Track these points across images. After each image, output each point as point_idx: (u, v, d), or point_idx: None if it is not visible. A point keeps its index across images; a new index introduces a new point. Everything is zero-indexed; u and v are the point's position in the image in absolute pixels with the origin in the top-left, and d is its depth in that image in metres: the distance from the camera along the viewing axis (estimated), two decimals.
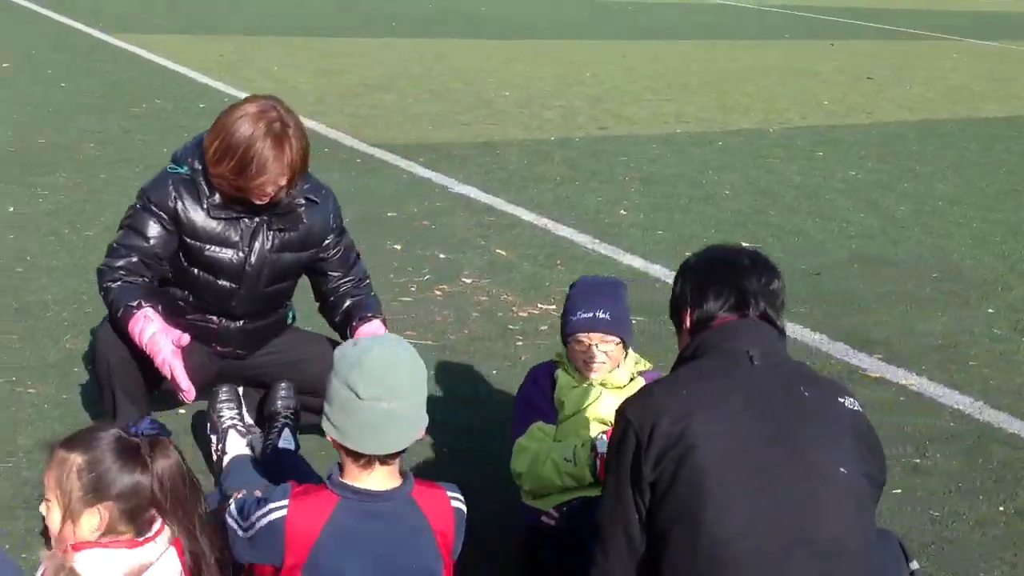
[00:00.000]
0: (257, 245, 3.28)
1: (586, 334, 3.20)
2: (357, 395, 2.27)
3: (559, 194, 7.26)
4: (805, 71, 14.71)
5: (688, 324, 2.36)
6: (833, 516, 2.08)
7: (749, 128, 10.36)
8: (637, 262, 5.98)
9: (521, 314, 5.09)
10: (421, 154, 8.02)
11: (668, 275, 5.73)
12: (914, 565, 2.46)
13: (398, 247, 5.87)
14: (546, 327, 4.93)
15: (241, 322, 3.40)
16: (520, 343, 4.75)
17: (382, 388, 2.27)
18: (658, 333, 4.88)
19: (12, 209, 5.98)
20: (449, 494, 2.46)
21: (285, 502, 2.32)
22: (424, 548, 2.36)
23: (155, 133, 8.00)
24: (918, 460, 4.03)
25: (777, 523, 2.05)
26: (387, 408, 2.27)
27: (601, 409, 3.19)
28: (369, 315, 3.43)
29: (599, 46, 15.91)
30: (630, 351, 3.37)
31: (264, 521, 2.32)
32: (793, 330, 5.13)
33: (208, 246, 3.25)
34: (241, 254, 3.27)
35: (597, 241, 6.29)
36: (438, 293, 5.25)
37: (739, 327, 2.28)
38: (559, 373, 3.29)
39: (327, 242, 3.44)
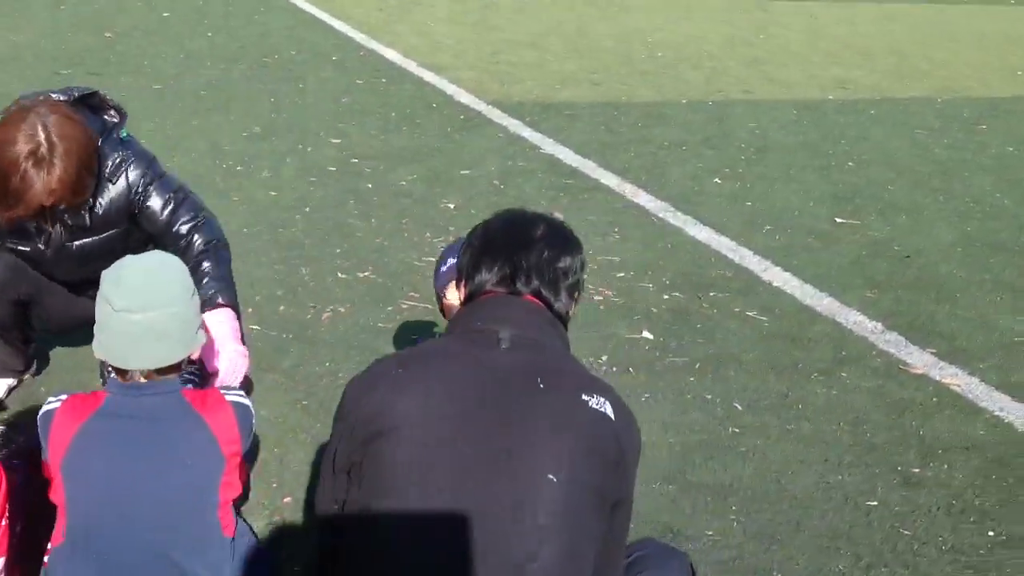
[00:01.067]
0: (53, 238, 3.13)
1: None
2: (112, 307, 2.25)
3: (656, 159, 6.90)
4: (1018, 38, 13.56)
5: (462, 296, 2.11)
6: (521, 530, 1.79)
7: (915, 97, 9.62)
8: (704, 234, 5.60)
9: None
10: (531, 113, 7.80)
11: (734, 249, 5.37)
12: None
13: (452, 206, 5.70)
14: None
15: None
16: None
17: (134, 299, 2.25)
18: (687, 310, 4.54)
19: None
20: (223, 392, 2.36)
21: (63, 397, 2.30)
22: (195, 443, 2.26)
23: (269, 83, 8.08)
24: (916, 470, 3.57)
25: (453, 532, 1.78)
26: (139, 319, 2.24)
27: None
28: (219, 302, 3.11)
29: (790, 7, 15.15)
30: None
31: (39, 415, 2.30)
32: (848, 315, 4.68)
33: (11, 238, 3.14)
34: (40, 247, 3.15)
35: (672, 210, 5.94)
36: None
37: (497, 304, 2.02)
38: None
39: (139, 213, 3.19)
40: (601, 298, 4.69)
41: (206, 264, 3.11)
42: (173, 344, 2.30)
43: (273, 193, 5.65)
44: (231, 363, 2.97)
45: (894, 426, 3.84)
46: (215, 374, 2.95)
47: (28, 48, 8.51)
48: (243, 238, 4.90)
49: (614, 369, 4.07)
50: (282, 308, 4.31)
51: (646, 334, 4.38)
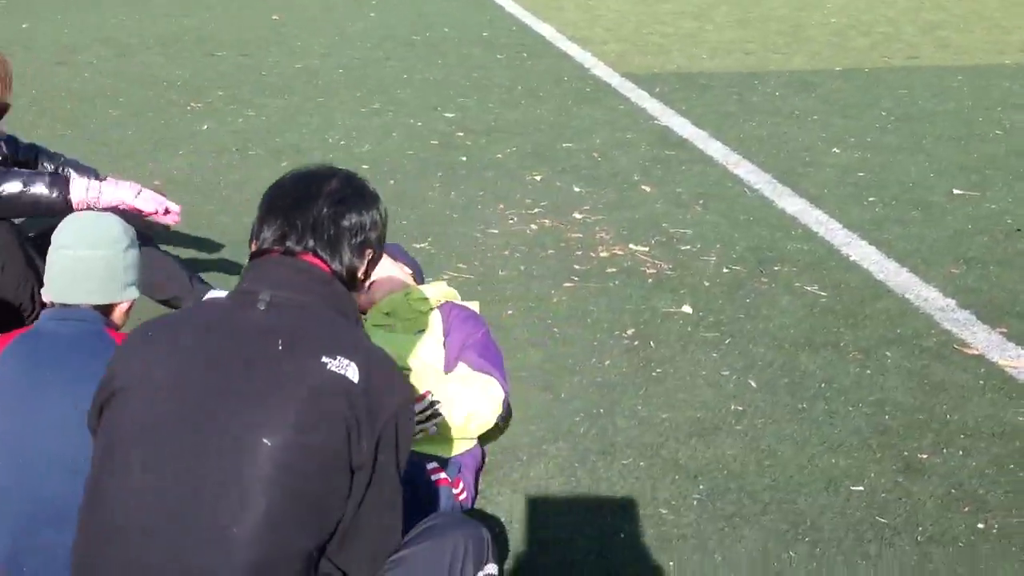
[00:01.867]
0: None
1: None
2: (56, 245, 2.52)
3: (778, 130, 6.67)
4: None
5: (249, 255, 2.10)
6: (227, 494, 1.78)
7: None
8: (796, 206, 5.39)
9: (595, 254, 4.78)
10: (664, 84, 7.69)
11: (822, 223, 5.16)
12: (489, 569, 2.06)
13: (538, 178, 5.71)
14: (614, 269, 4.61)
15: None
16: (565, 283, 4.48)
17: (72, 237, 2.52)
18: (742, 284, 4.42)
19: (205, 127, 6.49)
20: None
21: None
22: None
23: (409, 61, 8.27)
24: (924, 456, 3.36)
25: (159, 495, 1.79)
26: (73, 255, 2.49)
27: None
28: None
29: None
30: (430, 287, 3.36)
31: None
32: (922, 291, 4.43)
33: None
34: None
35: (772, 183, 5.74)
36: (534, 227, 5.06)
37: (267, 265, 2.01)
38: None
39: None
40: (654, 271, 4.61)
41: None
42: (106, 284, 2.51)
43: (365, 166, 5.80)
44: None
45: (920, 409, 3.60)
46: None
47: (193, 31, 9.02)
48: None
49: (636, 343, 3.99)
50: None
51: (685, 308, 4.27)
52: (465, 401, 2.93)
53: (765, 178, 5.79)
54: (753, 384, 3.74)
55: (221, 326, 1.93)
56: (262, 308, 1.93)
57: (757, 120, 6.85)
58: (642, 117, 6.86)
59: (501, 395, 3.04)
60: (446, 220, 5.09)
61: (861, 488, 3.19)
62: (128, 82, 7.39)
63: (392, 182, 5.58)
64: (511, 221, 5.12)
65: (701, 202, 5.42)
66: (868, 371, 3.84)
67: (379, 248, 2.16)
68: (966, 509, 3.10)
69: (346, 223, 2.05)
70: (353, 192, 2.11)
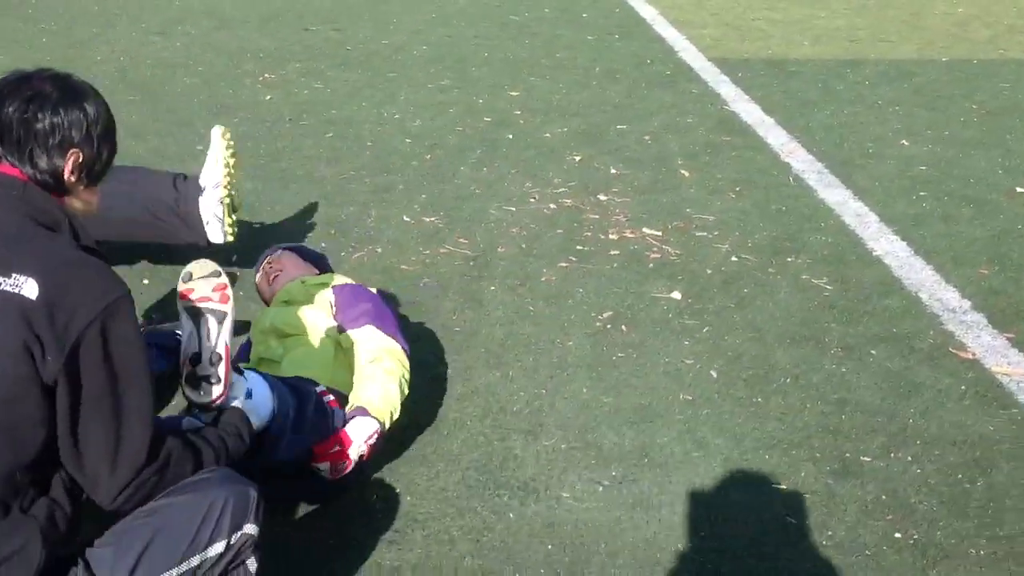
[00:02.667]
0: None
1: (260, 266, 3.59)
2: None
3: (851, 120, 6.42)
4: None
5: None
6: None
7: None
8: (836, 197, 5.19)
9: (604, 236, 4.71)
10: (748, 69, 7.49)
11: (859, 215, 4.98)
12: (248, 529, 2.04)
13: (577, 159, 5.65)
14: (617, 252, 4.53)
15: None
16: (560, 263, 4.43)
17: None
18: (746, 275, 4.30)
19: (269, 97, 6.64)
20: None
21: None
22: None
23: (497, 40, 8.27)
24: (867, 459, 3.21)
25: None
26: None
27: (277, 319, 3.14)
28: None
29: None
30: (339, 276, 3.46)
31: None
32: (938, 291, 4.23)
33: None
34: None
35: (821, 172, 5.54)
36: (552, 206, 5.02)
37: None
38: None
39: None
40: (658, 256, 4.51)
41: None
42: None
43: (408, 140, 5.85)
44: None
45: (882, 411, 3.44)
46: None
47: (296, 6, 9.23)
48: (340, 178, 5.17)
49: (608, 326, 3.93)
50: (324, 244, 4.49)
51: (675, 295, 4.17)
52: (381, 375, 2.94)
53: (816, 167, 5.59)
54: (713, 375, 3.63)
55: None
56: None
57: (832, 109, 6.60)
58: (711, 102, 6.69)
59: (402, 353, 3.04)
60: (467, 195, 5.09)
61: (783, 487, 3.07)
62: (214, 52, 7.62)
63: (428, 156, 5.61)
64: (532, 199, 5.08)
65: (737, 189, 5.26)
66: (843, 369, 3.67)
67: (89, 147, 2.08)
68: (889, 517, 2.94)
69: (40, 125, 2.00)
70: (55, 91, 2.04)
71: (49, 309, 1.83)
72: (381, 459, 3.08)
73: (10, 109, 2.00)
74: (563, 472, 3.10)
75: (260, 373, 2.57)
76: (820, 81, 7.27)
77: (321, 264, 3.61)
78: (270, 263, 3.49)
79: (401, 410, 2.95)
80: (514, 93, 6.83)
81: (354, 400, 2.88)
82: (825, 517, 2.95)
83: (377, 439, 2.78)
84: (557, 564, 2.76)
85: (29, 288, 1.83)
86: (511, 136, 5.98)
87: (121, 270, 4.10)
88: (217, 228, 3.80)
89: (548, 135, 6.02)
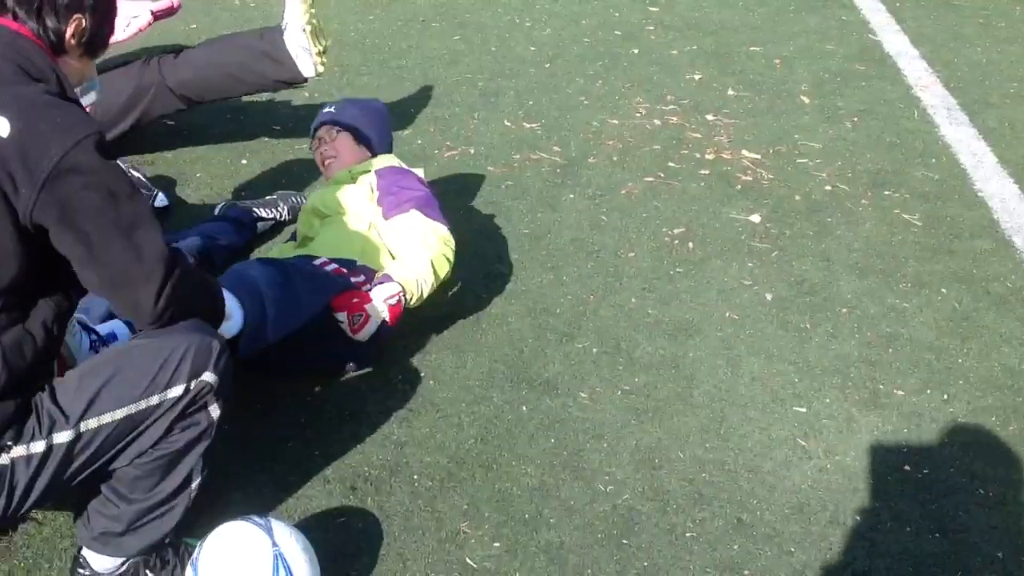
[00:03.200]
0: None
1: (316, 132, 3.56)
2: None
3: (996, 58, 6.10)
4: None
5: None
6: None
7: None
8: (958, 135, 5.02)
9: (700, 155, 4.69)
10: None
11: (977, 155, 4.83)
12: (206, 377, 2.17)
13: (697, 77, 5.60)
14: (707, 171, 4.52)
15: None
16: (646, 178, 4.44)
17: None
18: (833, 204, 4.24)
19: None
20: None
21: None
22: None
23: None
24: (900, 392, 3.16)
25: None
26: None
27: (317, 200, 3.30)
28: None
29: None
30: (382, 157, 3.51)
31: None
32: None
33: None
34: None
35: (955, 108, 5.36)
36: (656, 122, 5.01)
37: None
38: None
39: None
40: (749, 179, 4.48)
41: None
42: None
43: (532, 48, 5.90)
44: None
45: (931, 348, 3.40)
46: None
47: None
48: (454, 80, 5.33)
49: (675, 242, 3.95)
50: (419, 141, 4.62)
51: (754, 217, 4.16)
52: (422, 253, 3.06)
53: (947, 103, 5.39)
54: (768, 297, 3.63)
55: None
56: None
57: (985, 46, 6.31)
58: (859, 30, 6.48)
59: (448, 235, 3.15)
60: (574, 105, 5.13)
61: (803, 410, 3.08)
62: None
63: (548, 66, 5.65)
64: (638, 115, 5.08)
65: (855, 119, 5.14)
66: (906, 304, 3.62)
67: (94, 16, 2.20)
68: (904, 450, 2.91)
69: None
70: None
71: (21, 146, 1.94)
72: (412, 343, 3.22)
73: None
74: (587, 374, 3.18)
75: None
76: (981, 17, 6.93)
77: (375, 144, 3.63)
78: (323, 141, 3.55)
79: (442, 294, 3.06)
80: (653, 8, 6.76)
81: (386, 270, 3.00)
82: (837, 443, 2.94)
83: (398, 302, 2.87)
84: (555, 458, 2.85)
85: (1, 127, 1.95)
86: (636, 51, 5.96)
87: (222, 150, 4.37)
88: (307, 61, 3.92)
89: (674, 52, 5.97)
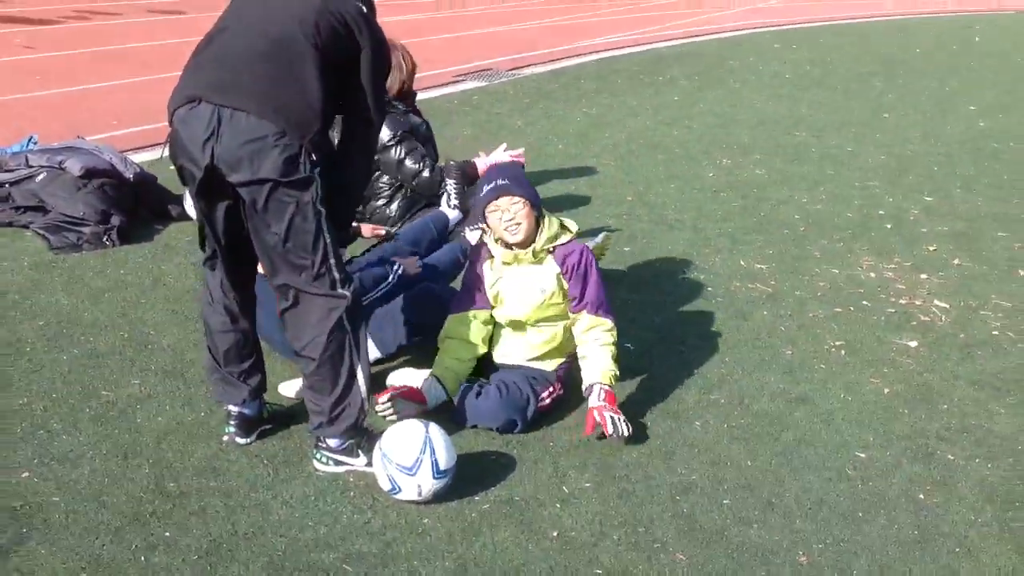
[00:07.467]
0: None
1: (495, 201, 4.03)
2: None
3: None
4: None
5: None
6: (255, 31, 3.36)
7: None
8: None
9: (902, 300, 5.66)
10: None
11: None
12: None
13: (932, 248, 6.52)
14: (893, 311, 5.51)
15: None
16: (833, 308, 5.47)
17: None
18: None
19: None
20: None
21: None
22: None
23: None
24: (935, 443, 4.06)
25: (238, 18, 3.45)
26: None
27: (511, 282, 4.17)
28: None
29: None
30: (549, 224, 4.11)
31: None
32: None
33: None
34: None
35: None
36: (872, 275, 6.03)
37: None
38: (489, 246, 4.17)
39: None
40: (927, 319, 5.39)
41: None
42: None
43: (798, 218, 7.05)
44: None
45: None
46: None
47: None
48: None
49: (831, 351, 4.96)
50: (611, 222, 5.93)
51: (911, 343, 5.10)
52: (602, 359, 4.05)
53: None
54: (885, 391, 4.57)
55: None
56: None
57: None
58: None
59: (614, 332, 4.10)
60: (805, 256, 6.24)
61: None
62: None
63: (804, 228, 6.79)
64: (859, 267, 6.10)
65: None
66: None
67: None
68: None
69: None
70: None
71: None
72: None
73: None
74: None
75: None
76: None
77: (534, 199, 4.07)
78: (502, 209, 4.02)
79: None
80: (929, 198, 7.70)
81: (590, 378, 4.03)
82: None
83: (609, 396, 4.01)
84: None
85: None
86: (889, 226, 6.94)
87: None
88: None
89: (924, 230, 6.92)
